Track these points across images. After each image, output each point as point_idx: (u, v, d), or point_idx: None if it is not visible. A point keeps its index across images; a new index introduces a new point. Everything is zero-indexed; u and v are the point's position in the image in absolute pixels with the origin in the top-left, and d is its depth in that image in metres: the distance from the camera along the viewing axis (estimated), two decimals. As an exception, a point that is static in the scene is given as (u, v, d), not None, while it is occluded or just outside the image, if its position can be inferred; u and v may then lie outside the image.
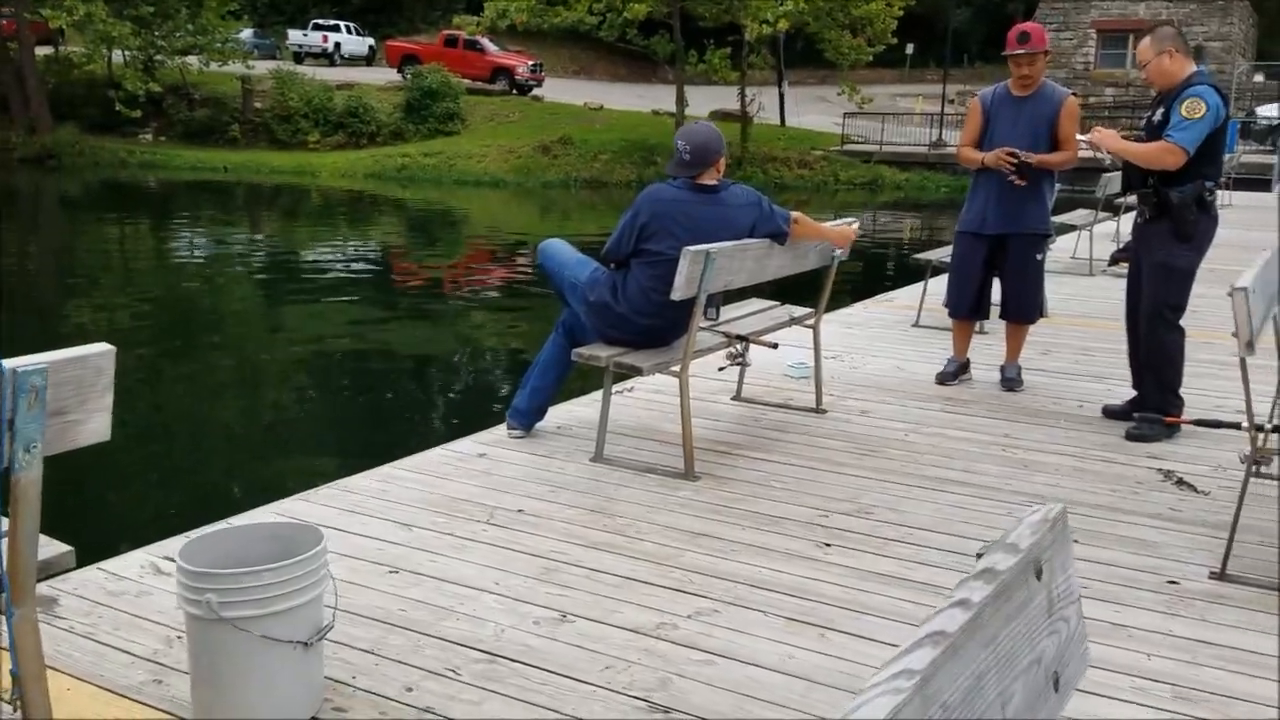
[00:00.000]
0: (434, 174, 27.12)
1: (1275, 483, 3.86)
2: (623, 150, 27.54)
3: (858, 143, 29.62)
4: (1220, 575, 3.09)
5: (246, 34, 37.64)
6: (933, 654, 0.89)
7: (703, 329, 4.36)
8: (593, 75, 43.56)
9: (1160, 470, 4.02)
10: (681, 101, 26.81)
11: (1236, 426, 3.11)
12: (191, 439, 6.90)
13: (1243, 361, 2.96)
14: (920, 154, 28.47)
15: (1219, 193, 4.58)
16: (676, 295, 3.57)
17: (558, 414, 4.65)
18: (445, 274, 14.49)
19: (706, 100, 31.87)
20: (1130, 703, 2.43)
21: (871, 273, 13.96)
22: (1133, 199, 4.70)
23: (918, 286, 7.31)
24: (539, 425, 4.38)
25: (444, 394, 8.50)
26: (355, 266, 15.17)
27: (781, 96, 32.60)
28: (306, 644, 2.14)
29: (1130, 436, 4.37)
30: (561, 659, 2.55)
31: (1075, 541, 3.31)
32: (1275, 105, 27.36)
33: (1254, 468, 3.03)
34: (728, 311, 4.76)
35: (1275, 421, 3.02)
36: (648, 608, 2.85)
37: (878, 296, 8.07)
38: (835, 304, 7.85)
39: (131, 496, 5.73)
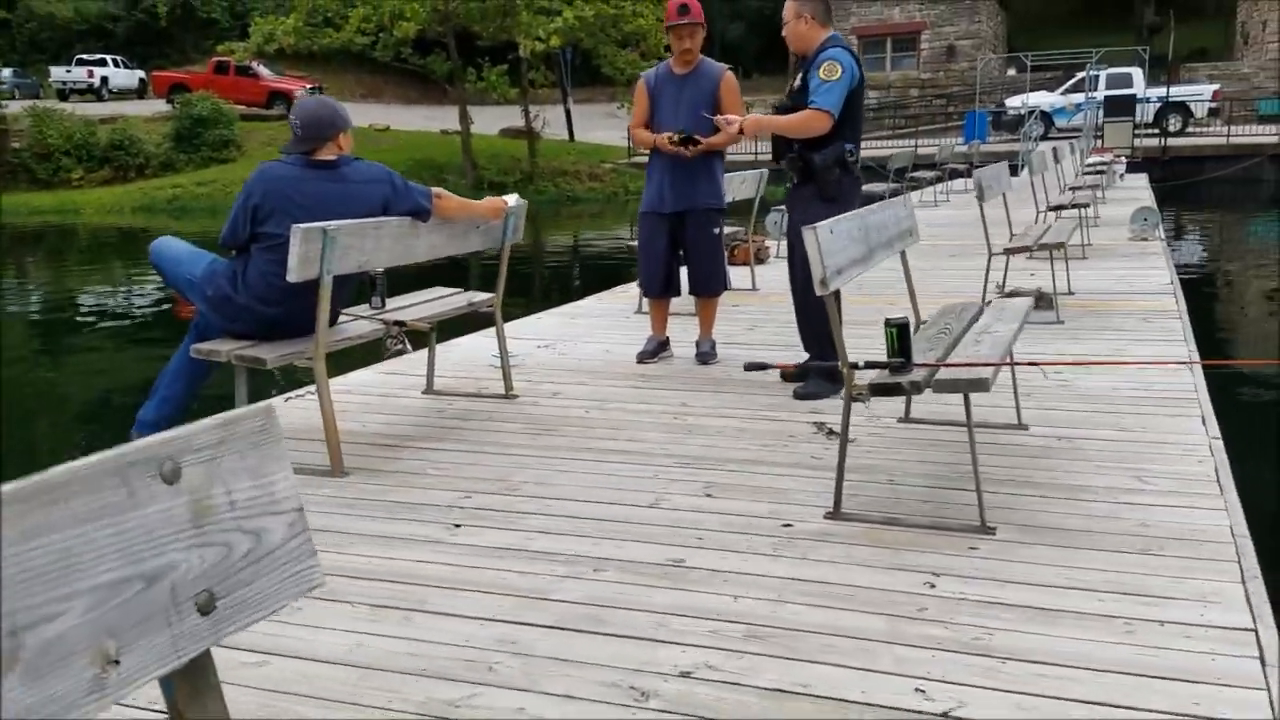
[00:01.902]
0: (209, 204, 25.83)
1: (921, 426, 4.01)
2: (411, 169, 26.93)
3: (644, 155, 30.06)
4: (834, 514, 3.12)
5: (5, 74, 35.23)
6: None
7: (363, 317, 4.19)
8: (381, 98, 42.63)
9: (816, 424, 4.09)
10: (465, 120, 26.52)
11: (836, 367, 3.16)
12: None
13: (826, 300, 3.01)
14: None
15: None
16: (292, 276, 3.38)
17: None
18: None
19: (495, 119, 31.71)
20: (701, 647, 2.38)
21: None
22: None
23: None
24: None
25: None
26: (127, 305, 14.22)
27: (568, 112, 32.78)
28: None
29: (798, 395, 4.44)
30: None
31: (708, 495, 3.34)
32: (1020, 97, 29.31)
33: (852, 405, 3.08)
34: (400, 300, 4.60)
35: (867, 359, 3.08)
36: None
37: (614, 289, 8.07)
38: (576, 297, 7.83)
39: None
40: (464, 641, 2.44)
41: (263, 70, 32.46)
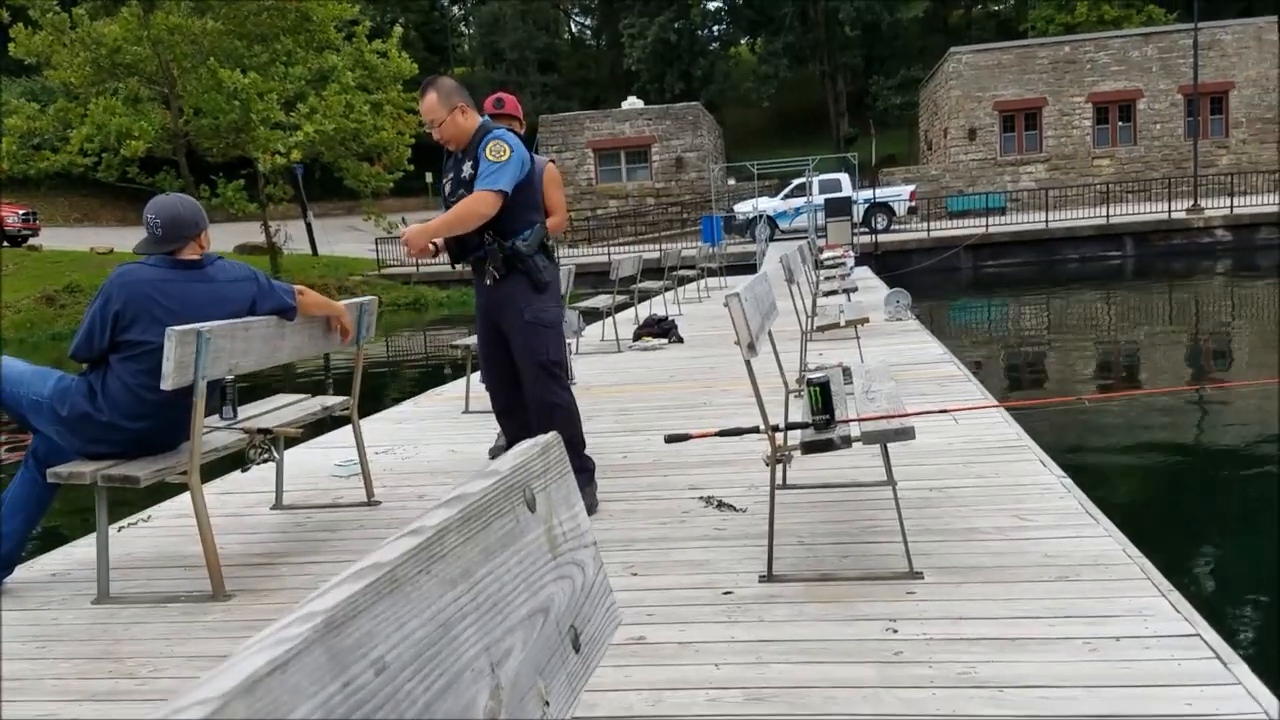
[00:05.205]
0: (-89, 347, 23.02)
1: (798, 491, 4.14)
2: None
3: (395, 266, 29.74)
4: (768, 577, 3.17)
5: None
6: (353, 589, 0.64)
7: (218, 428, 3.87)
8: (99, 221, 39.88)
9: (701, 498, 4.14)
10: (200, 238, 25.20)
11: (756, 430, 3.24)
12: None
13: (748, 364, 3.10)
14: (455, 272, 29.20)
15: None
16: (167, 384, 3.08)
17: (51, 560, 3.89)
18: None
19: (230, 236, 30.40)
20: (706, 715, 2.34)
21: (430, 381, 13.78)
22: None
23: (464, 379, 7.23)
24: (22, 576, 3.60)
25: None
26: None
27: (309, 226, 31.97)
28: None
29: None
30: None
31: (634, 575, 3.30)
32: (749, 203, 31.56)
33: (777, 466, 3.16)
34: (250, 409, 4.29)
35: (787, 421, 3.18)
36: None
37: (428, 392, 7.87)
38: (386, 406, 7.56)
39: None
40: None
41: (-36, 197, 29.71)
